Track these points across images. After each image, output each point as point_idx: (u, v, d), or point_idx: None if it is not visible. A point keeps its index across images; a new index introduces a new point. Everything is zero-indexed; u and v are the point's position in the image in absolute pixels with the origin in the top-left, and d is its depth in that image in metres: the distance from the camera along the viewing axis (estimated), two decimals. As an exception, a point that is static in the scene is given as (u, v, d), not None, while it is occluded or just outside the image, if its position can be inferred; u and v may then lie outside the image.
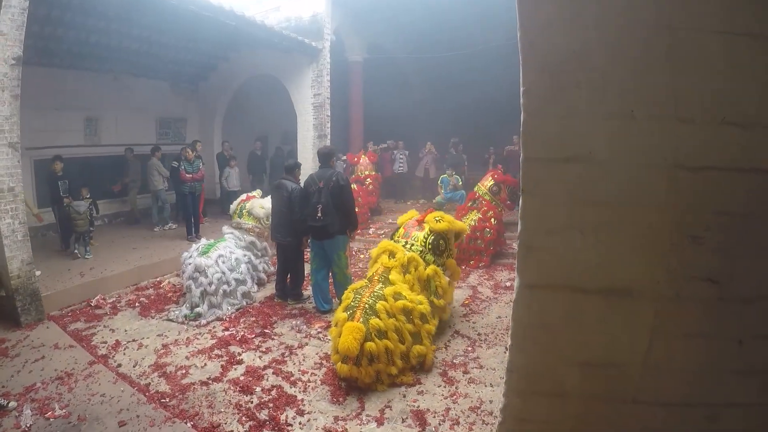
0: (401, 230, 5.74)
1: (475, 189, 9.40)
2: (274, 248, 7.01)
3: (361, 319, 4.33)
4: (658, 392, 1.73)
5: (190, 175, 9.51)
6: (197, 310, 5.94)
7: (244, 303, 6.38)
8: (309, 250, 6.48)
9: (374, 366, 4.25)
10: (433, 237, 5.49)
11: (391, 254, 5.29)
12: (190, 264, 6.20)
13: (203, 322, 5.81)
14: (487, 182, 9.29)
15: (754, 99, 1.55)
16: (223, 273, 6.26)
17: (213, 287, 6.07)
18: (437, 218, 5.62)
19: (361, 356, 4.19)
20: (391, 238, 5.79)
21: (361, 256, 8.83)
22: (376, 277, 5.04)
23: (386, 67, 15.61)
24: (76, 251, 7.93)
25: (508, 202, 9.21)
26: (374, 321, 4.35)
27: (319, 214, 5.93)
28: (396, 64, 16.20)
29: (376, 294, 4.65)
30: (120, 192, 11.06)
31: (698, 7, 1.54)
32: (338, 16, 12.59)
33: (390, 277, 4.99)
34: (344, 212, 6.04)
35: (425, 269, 5.25)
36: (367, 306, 4.48)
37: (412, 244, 5.46)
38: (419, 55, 15.49)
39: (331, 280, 6.44)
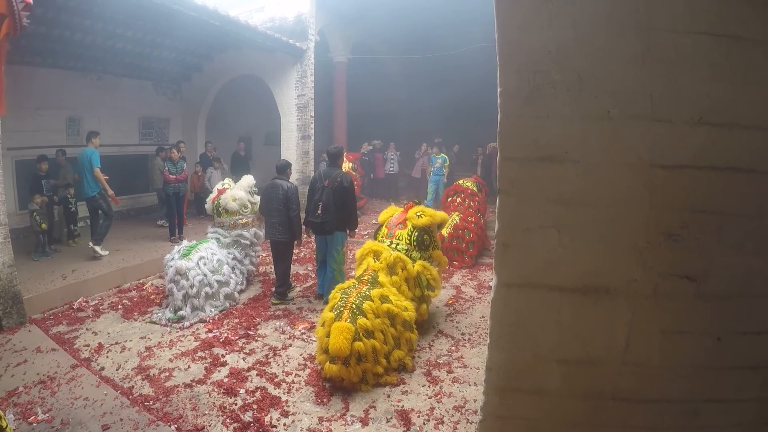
0: (384, 229, 5.77)
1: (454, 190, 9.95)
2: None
3: (348, 319, 4.33)
4: (638, 389, 1.75)
5: (174, 176, 9.45)
6: (180, 313, 5.91)
7: (227, 305, 6.33)
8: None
9: (362, 365, 4.27)
10: (417, 233, 5.53)
11: (376, 255, 5.32)
12: (171, 267, 6.17)
13: (186, 324, 5.77)
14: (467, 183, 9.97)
15: (730, 99, 1.57)
16: (205, 275, 6.20)
17: (195, 290, 6.03)
18: (418, 213, 5.64)
19: (350, 356, 4.20)
20: (375, 238, 5.84)
21: (349, 255, 8.84)
22: (365, 278, 5.06)
23: (370, 68, 15.67)
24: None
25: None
26: (362, 321, 4.35)
27: (319, 211, 6.17)
28: (380, 65, 16.25)
29: (362, 294, 4.66)
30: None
31: (675, 8, 1.57)
32: (323, 16, 12.60)
33: (379, 278, 5.01)
34: (345, 212, 6.26)
35: (413, 267, 5.29)
36: (354, 306, 4.49)
37: (398, 243, 5.49)
38: (403, 55, 15.57)
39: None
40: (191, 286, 6.02)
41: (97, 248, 7.95)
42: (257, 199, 7.22)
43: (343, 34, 14.26)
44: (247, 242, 7.24)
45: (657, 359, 1.73)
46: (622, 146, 1.61)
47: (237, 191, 7.30)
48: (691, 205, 1.61)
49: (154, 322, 5.87)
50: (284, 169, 6.74)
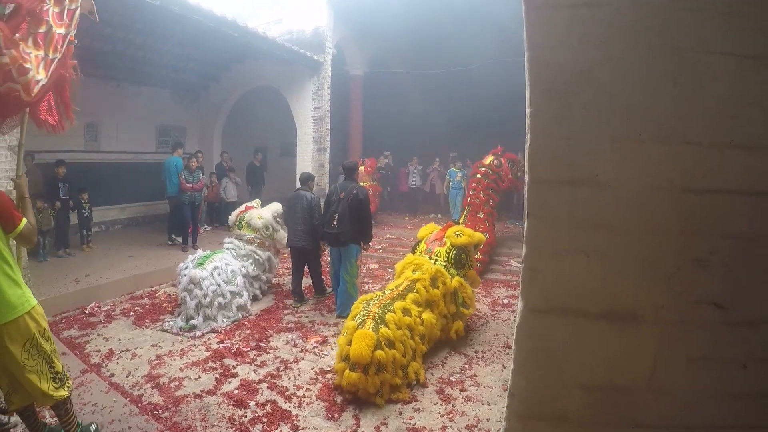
0: (422, 245, 5.94)
1: (474, 171, 9.98)
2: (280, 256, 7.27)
3: (371, 328, 4.39)
4: (661, 416, 1.71)
5: (191, 185, 9.50)
6: (192, 322, 5.90)
7: (240, 316, 6.32)
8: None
9: (380, 375, 4.26)
10: (455, 251, 5.71)
11: (417, 268, 5.46)
12: (185, 275, 6.17)
13: (198, 333, 5.76)
14: (487, 160, 9.84)
15: (760, 122, 1.55)
16: (218, 285, 6.20)
17: (208, 299, 6.03)
18: (457, 233, 5.79)
19: (370, 365, 4.20)
20: (413, 252, 6.03)
21: (363, 269, 8.81)
22: (400, 288, 5.19)
23: (387, 81, 15.70)
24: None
25: (510, 176, 9.70)
26: (384, 330, 4.42)
27: (335, 223, 6.34)
28: (396, 79, 16.28)
29: (386, 305, 4.73)
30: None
31: (705, 29, 1.55)
32: (340, 29, 12.66)
33: (417, 288, 5.14)
34: (360, 224, 6.44)
35: (451, 281, 5.45)
36: (376, 315, 4.54)
37: (436, 260, 5.66)
38: (419, 70, 15.58)
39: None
40: (204, 296, 6.02)
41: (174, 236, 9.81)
42: (279, 229, 7.49)
43: (360, 47, 14.34)
44: (260, 259, 7.27)
45: (682, 386, 1.69)
46: (653, 170, 1.58)
47: (265, 211, 7.54)
48: (721, 230, 1.58)
49: (166, 330, 5.86)
50: (307, 180, 7.23)
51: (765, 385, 1.67)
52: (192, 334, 5.75)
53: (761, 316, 1.62)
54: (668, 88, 1.56)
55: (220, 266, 6.46)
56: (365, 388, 4.20)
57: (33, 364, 2.98)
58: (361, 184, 11.55)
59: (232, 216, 7.69)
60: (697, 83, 1.55)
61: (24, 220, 2.95)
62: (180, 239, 9.69)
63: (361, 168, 12.08)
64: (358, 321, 4.52)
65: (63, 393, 3.17)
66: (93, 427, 3.62)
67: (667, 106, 1.56)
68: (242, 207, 7.78)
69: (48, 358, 3.07)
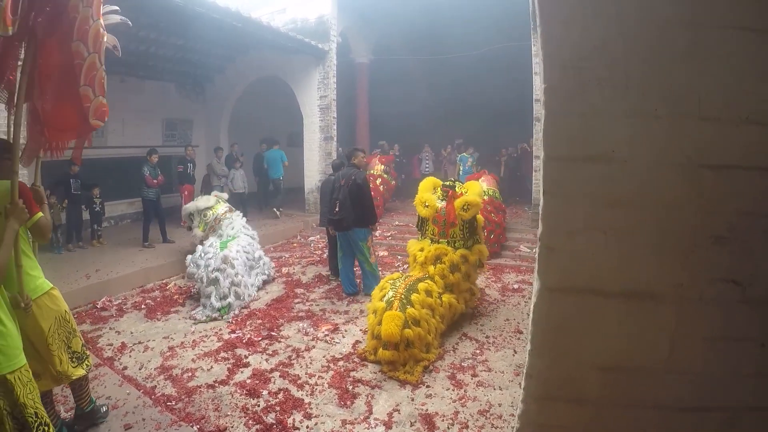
0: (433, 227, 5.92)
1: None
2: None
3: (398, 309, 4.69)
4: (679, 397, 1.70)
5: (156, 181, 9.34)
6: (229, 300, 6.12)
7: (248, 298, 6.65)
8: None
9: (409, 351, 4.63)
10: (467, 225, 5.81)
11: (439, 258, 5.61)
12: (212, 257, 6.42)
13: (234, 313, 6.10)
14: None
15: None
16: (243, 265, 6.71)
17: (239, 278, 6.37)
18: (465, 207, 5.68)
19: (399, 342, 4.56)
20: (419, 229, 6.20)
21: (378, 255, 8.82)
22: (416, 275, 5.44)
23: (392, 69, 15.62)
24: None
25: None
26: (410, 310, 4.72)
27: (337, 209, 6.68)
28: (402, 66, 16.20)
29: (411, 287, 5.01)
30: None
31: (720, 3, 1.51)
32: (344, 17, 12.59)
33: (435, 278, 5.43)
34: (361, 208, 6.64)
35: (473, 256, 5.77)
36: (403, 297, 4.84)
37: (455, 242, 5.78)
38: (425, 56, 15.49)
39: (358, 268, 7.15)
40: (236, 274, 6.33)
41: (276, 210, 12.11)
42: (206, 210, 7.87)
43: (365, 35, 14.26)
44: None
45: (699, 366, 1.67)
46: (669, 146, 1.55)
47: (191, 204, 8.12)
48: (739, 207, 1.55)
49: (197, 320, 5.98)
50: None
51: (782, 365, 1.63)
52: (229, 315, 6.01)
53: (780, 295, 1.58)
54: (683, 62, 1.53)
55: (241, 248, 6.91)
56: (399, 362, 4.59)
57: (56, 343, 3.16)
58: (376, 174, 11.75)
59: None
60: (712, 58, 1.52)
61: (41, 213, 3.04)
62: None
63: (375, 160, 12.24)
64: (387, 302, 4.78)
65: (81, 371, 3.34)
66: (104, 408, 3.77)
67: (682, 82, 1.53)
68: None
69: (66, 338, 3.25)
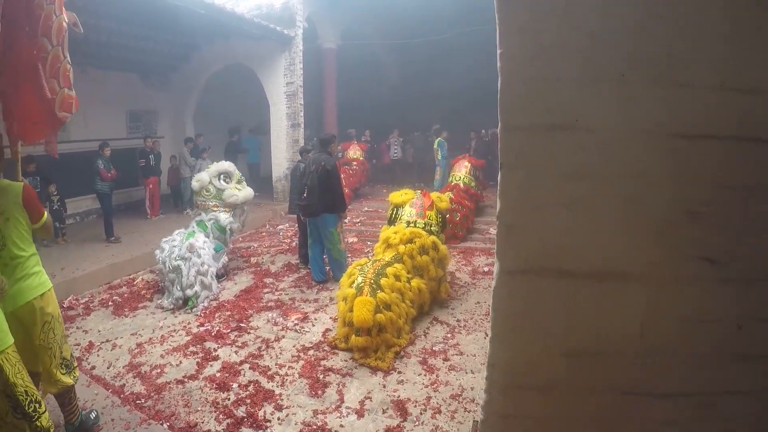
0: (409, 209, 6.10)
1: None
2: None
3: (369, 294, 4.77)
4: (651, 382, 1.61)
5: (110, 174, 9.15)
6: (195, 289, 5.99)
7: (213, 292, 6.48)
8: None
9: (382, 336, 4.71)
10: (441, 216, 6.14)
11: (411, 240, 5.67)
12: (176, 246, 6.27)
13: (203, 304, 6.03)
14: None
15: (756, 64, 1.41)
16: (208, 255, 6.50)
17: (205, 267, 6.23)
18: (439, 197, 6.29)
19: (372, 327, 4.63)
20: (391, 218, 6.29)
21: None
22: (385, 259, 5.46)
23: (361, 54, 15.50)
24: None
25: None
26: (381, 295, 4.82)
27: (305, 194, 6.69)
28: (371, 51, 16.07)
29: (379, 272, 5.10)
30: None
31: None
32: (310, 3, 12.44)
33: (404, 259, 5.56)
34: (330, 194, 6.67)
35: (443, 247, 5.93)
36: (372, 281, 4.93)
37: (431, 225, 5.98)
38: (393, 41, 15.39)
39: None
40: (202, 264, 6.20)
41: None
42: (227, 187, 7.33)
43: (332, 20, 14.10)
44: (224, 227, 7.23)
45: (673, 349, 1.59)
46: (639, 112, 1.44)
47: (202, 173, 7.49)
48: (715, 180, 1.45)
49: (164, 308, 5.97)
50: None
51: (761, 347, 1.56)
52: (198, 308, 5.95)
53: (758, 273, 1.51)
54: (655, 25, 1.42)
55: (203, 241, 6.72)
56: (371, 347, 4.68)
57: (49, 346, 3.15)
58: (354, 157, 12.22)
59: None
60: (688, 21, 1.42)
61: (47, 213, 3.28)
62: None
63: (355, 145, 12.99)
64: (356, 288, 4.77)
65: (69, 380, 3.32)
66: (93, 415, 3.68)
67: (654, 46, 1.42)
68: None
69: (58, 343, 3.24)
